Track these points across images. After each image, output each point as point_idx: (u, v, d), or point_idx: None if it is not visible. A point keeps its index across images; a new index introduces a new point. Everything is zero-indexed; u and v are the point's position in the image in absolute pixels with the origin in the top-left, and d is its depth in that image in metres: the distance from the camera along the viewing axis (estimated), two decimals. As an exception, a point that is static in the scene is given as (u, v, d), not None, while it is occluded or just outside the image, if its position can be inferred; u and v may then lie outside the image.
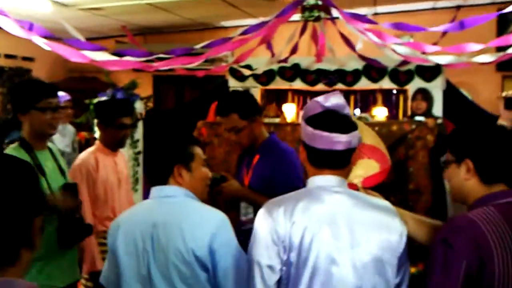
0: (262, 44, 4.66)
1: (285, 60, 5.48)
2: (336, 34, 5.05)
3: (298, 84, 5.83)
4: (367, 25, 4.16)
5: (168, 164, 2.00)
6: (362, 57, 5.07)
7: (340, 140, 1.74)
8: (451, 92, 5.55)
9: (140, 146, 5.24)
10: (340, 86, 5.70)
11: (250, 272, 1.75)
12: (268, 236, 1.72)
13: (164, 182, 2.00)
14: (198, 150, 2.07)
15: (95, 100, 5.70)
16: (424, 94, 5.11)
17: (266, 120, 5.56)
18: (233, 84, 5.94)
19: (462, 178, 1.76)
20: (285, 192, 1.90)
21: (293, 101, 6.20)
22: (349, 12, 4.00)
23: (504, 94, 2.96)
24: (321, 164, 1.81)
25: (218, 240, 1.86)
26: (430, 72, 5.52)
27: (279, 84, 5.84)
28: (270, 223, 1.72)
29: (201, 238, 1.85)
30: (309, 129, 1.78)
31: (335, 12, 4.64)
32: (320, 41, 5.17)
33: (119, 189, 3.46)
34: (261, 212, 1.80)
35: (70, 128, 4.75)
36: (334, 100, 1.81)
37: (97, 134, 5.58)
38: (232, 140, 2.84)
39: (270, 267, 1.71)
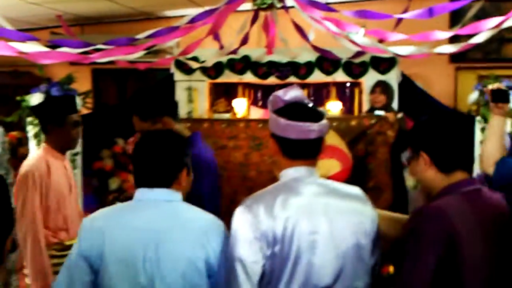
0: (211, 34, 4.32)
1: (234, 52, 5.17)
2: (287, 24, 4.78)
3: (248, 77, 5.61)
4: (323, 14, 3.89)
5: (178, 167, 1.95)
6: (315, 48, 4.81)
7: (313, 129, 1.82)
8: (406, 84, 5.40)
9: (79, 147, 4.81)
10: (292, 79, 5.53)
11: (232, 271, 1.77)
12: (249, 233, 1.76)
13: (167, 185, 1.93)
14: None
15: (28, 97, 5.25)
16: (383, 87, 4.92)
17: (216, 115, 5.37)
18: (179, 77, 5.66)
19: (421, 170, 1.85)
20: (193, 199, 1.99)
21: (243, 95, 5.91)
22: (304, -1, 3.71)
23: (490, 86, 2.76)
24: (295, 155, 1.88)
25: (224, 246, 1.86)
26: (385, 64, 5.39)
27: (228, 77, 5.61)
28: (251, 220, 1.77)
29: (215, 246, 1.85)
30: (282, 120, 1.83)
31: (288, 0, 4.36)
32: (271, 31, 4.87)
33: (70, 195, 3.22)
34: (240, 209, 1.82)
35: (-2, 128, 4.29)
36: (293, 93, 1.90)
37: (30, 133, 5.18)
38: None
39: (254, 263, 1.75)
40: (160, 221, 1.87)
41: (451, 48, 4.00)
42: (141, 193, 1.94)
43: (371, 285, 1.89)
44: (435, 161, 1.82)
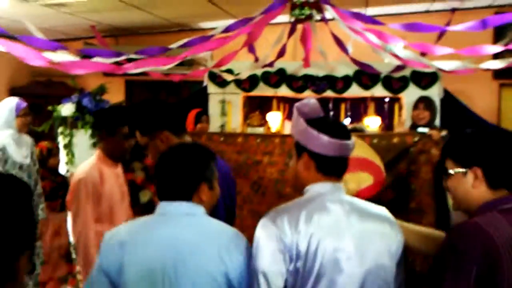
0: (246, 45, 4.19)
1: (270, 65, 5.04)
2: (325, 37, 4.62)
3: (283, 91, 5.48)
4: (365, 26, 3.70)
5: (196, 180, 1.89)
6: (354, 61, 4.62)
7: (350, 147, 1.85)
8: (448, 100, 5.17)
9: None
10: (329, 93, 5.41)
11: (254, 284, 1.74)
12: (273, 245, 1.73)
13: (187, 198, 1.88)
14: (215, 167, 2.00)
15: (60, 107, 5.20)
16: (426, 103, 4.68)
17: (250, 130, 5.27)
18: (213, 90, 5.58)
19: (469, 186, 1.78)
20: None
21: (278, 109, 5.75)
22: (346, 10, 3.53)
23: None
24: (329, 172, 1.86)
25: (246, 261, 1.81)
26: (426, 79, 5.21)
27: (263, 90, 5.49)
28: (275, 232, 1.74)
29: (235, 260, 1.80)
30: (325, 137, 1.81)
31: (327, 12, 4.19)
32: (308, 43, 4.66)
33: (122, 203, 3.22)
34: (264, 221, 1.80)
35: (27, 138, 4.21)
36: (312, 104, 1.89)
37: (61, 143, 5.13)
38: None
39: (277, 275, 1.72)
40: (180, 235, 1.81)
41: (498, 64, 3.77)
42: (162, 207, 1.90)
43: None
44: (488, 177, 1.75)
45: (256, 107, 5.76)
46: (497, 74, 5.88)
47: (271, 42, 4.77)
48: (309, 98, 1.93)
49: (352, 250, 1.75)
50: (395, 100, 5.51)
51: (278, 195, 3.78)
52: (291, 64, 5.32)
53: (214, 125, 5.46)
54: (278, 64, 5.21)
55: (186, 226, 1.83)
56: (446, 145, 1.88)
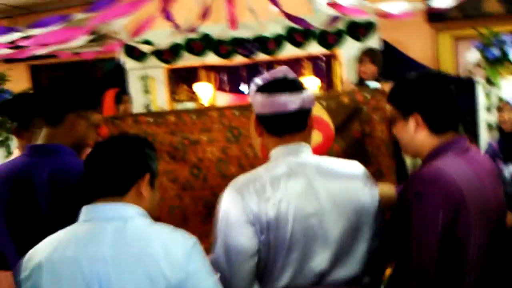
0: (163, 8, 3.70)
1: (193, 30, 4.50)
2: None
3: (211, 59, 5.07)
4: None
5: (139, 169, 1.64)
6: (288, 16, 4.15)
7: (291, 100, 1.75)
8: (388, 51, 4.87)
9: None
10: (261, 56, 5.02)
11: (227, 259, 1.68)
12: (242, 216, 1.67)
13: (120, 196, 1.60)
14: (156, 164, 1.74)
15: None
16: (372, 56, 4.33)
17: (179, 106, 4.88)
18: (131, 65, 5.09)
19: (412, 132, 1.80)
20: None
21: (207, 79, 5.27)
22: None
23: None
24: (279, 131, 1.80)
25: (200, 266, 1.54)
26: (363, 30, 4.89)
27: (188, 60, 5.06)
28: (242, 203, 1.68)
29: (176, 263, 1.50)
30: (259, 96, 1.79)
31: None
32: (233, 1, 4.19)
33: None
34: (230, 192, 1.73)
35: None
36: (279, 72, 1.84)
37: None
38: None
39: (250, 248, 1.67)
40: (105, 248, 1.50)
41: (449, 2, 3.39)
42: (86, 212, 1.60)
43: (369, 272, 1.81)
44: (428, 122, 1.77)
45: (183, 80, 5.29)
46: (431, 17, 5.57)
47: (190, 4, 4.26)
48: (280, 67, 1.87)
49: (324, 214, 1.70)
50: (332, 57, 5.12)
51: (222, 177, 3.37)
52: (216, 28, 4.85)
53: (137, 106, 4.95)
54: (202, 29, 4.72)
55: (112, 236, 1.52)
56: (389, 93, 1.87)
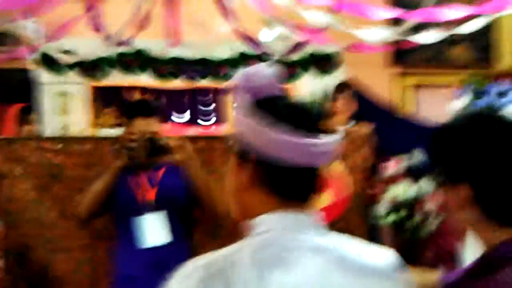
0: (89, 7, 3.47)
1: (126, 43, 4.24)
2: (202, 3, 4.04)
3: (146, 79, 4.84)
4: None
5: None
6: (243, 36, 3.93)
7: (326, 149, 1.18)
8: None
9: None
10: (207, 82, 4.86)
11: None
12: None
13: None
14: None
15: None
16: (350, 90, 3.83)
17: (103, 131, 4.54)
18: (47, 79, 4.76)
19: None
20: None
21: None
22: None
23: None
24: (291, 192, 1.18)
25: None
26: (327, 62, 4.73)
27: (118, 78, 4.78)
28: None
29: None
30: (279, 134, 1.15)
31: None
32: (177, 12, 4.00)
33: None
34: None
35: None
36: (266, 73, 1.20)
37: None
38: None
39: None
40: None
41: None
42: None
43: None
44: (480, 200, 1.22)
45: (110, 102, 5.04)
46: (395, 60, 5.49)
47: (125, 11, 3.98)
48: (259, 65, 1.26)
49: None
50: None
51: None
52: (156, 43, 4.59)
53: (50, 128, 4.52)
54: (138, 44, 4.51)
55: None
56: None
